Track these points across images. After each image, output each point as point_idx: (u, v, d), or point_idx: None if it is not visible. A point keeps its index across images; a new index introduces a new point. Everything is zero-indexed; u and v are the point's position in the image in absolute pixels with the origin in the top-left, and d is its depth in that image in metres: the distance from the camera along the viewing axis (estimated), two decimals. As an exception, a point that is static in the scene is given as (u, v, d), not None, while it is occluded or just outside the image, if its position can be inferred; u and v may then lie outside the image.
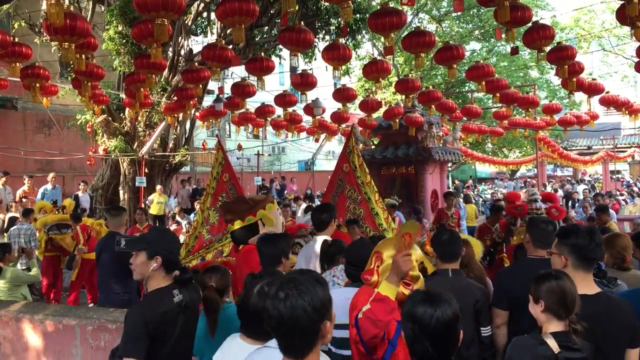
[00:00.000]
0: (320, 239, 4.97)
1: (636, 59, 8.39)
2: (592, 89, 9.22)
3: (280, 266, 3.86)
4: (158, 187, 14.04)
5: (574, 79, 7.82)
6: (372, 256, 3.11)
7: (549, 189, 23.23)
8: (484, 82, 8.12)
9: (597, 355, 2.73)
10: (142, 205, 12.82)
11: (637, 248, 4.59)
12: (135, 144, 13.63)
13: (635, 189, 25.14)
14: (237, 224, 5.47)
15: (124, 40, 11.26)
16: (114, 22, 11.19)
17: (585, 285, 2.89)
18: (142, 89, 7.96)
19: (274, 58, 11.82)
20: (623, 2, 5.22)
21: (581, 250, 2.90)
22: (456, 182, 31.12)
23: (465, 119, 12.83)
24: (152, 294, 3.03)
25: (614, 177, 32.92)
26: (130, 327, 2.85)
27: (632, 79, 25.84)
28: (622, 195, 21.28)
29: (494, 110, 13.96)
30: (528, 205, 7.03)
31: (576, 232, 2.96)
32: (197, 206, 13.41)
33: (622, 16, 5.47)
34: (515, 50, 7.08)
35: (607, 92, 10.15)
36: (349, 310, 3.10)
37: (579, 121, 13.01)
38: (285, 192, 21.24)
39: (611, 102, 10.49)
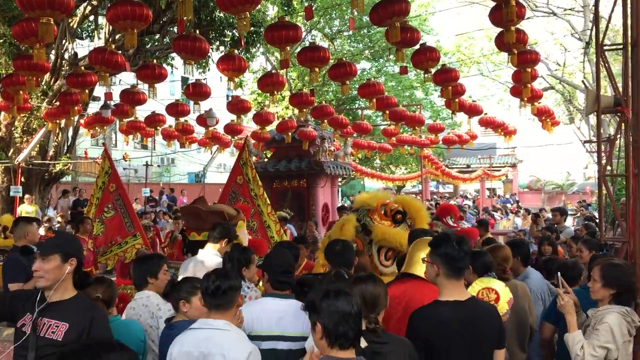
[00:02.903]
0: (206, 252, 4.89)
1: (511, 84, 9.07)
2: (472, 110, 9.85)
3: (149, 286, 3.88)
4: (27, 196, 13.13)
5: (457, 100, 8.32)
6: None
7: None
8: (374, 100, 8.42)
9: (470, 355, 2.95)
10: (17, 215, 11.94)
11: (514, 257, 4.94)
12: (11, 150, 12.71)
13: (509, 205, 26.99)
14: (200, 236, 5.30)
15: (1, 40, 10.52)
16: (-10, 20, 10.45)
17: (457, 291, 3.05)
18: (21, 92, 7.47)
19: (165, 66, 11.53)
20: (502, 30, 5.63)
21: (451, 260, 3.03)
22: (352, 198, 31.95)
23: (355, 134, 13.21)
24: None
25: (490, 194, 35.25)
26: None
27: (507, 103, 27.89)
28: (495, 211, 22.78)
29: (382, 127, 14.48)
30: None
31: (446, 242, 3.08)
32: (59, 218, 12.82)
33: (501, 43, 5.91)
34: (404, 70, 7.41)
35: (485, 114, 10.88)
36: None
37: (460, 140, 13.81)
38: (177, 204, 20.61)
39: (489, 123, 11.25)
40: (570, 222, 14.34)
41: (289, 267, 3.65)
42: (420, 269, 3.52)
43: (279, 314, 3.35)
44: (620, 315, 3.45)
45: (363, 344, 2.68)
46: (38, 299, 2.87)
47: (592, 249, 5.59)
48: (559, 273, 3.80)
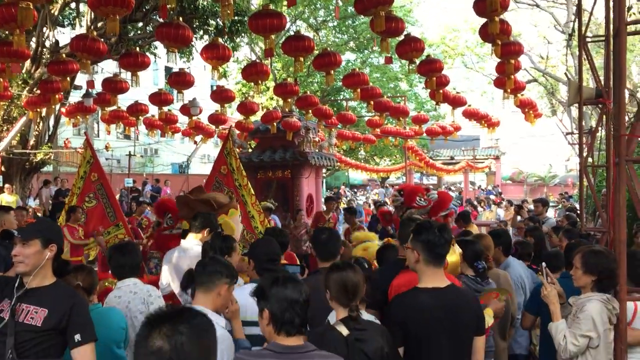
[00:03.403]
0: (189, 242, 4.88)
1: (494, 76, 9.11)
2: (456, 102, 9.88)
3: (135, 275, 3.86)
4: (7, 185, 12.98)
5: (441, 91, 8.34)
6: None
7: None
8: (359, 90, 8.41)
9: (449, 342, 2.96)
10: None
11: (495, 246, 4.98)
12: (-9, 139, 12.55)
13: (492, 197, 27.19)
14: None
15: (-20, 27, 10.34)
16: (-31, 5, 10.24)
17: (437, 279, 3.06)
18: (1, 80, 7.37)
19: (148, 55, 11.42)
20: (486, 20, 5.65)
21: (431, 247, 3.04)
22: (341, 188, 32.31)
23: (340, 125, 13.21)
24: None
25: (473, 186, 35.49)
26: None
27: (490, 95, 28.04)
28: (477, 200, 22.95)
29: (367, 118, 14.49)
30: (398, 209, 7.18)
31: (428, 229, 3.08)
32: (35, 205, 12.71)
33: (485, 33, 5.93)
34: (389, 60, 7.41)
35: (469, 105, 10.93)
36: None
37: (444, 132, 13.88)
38: (161, 195, 20.48)
39: (473, 115, 11.31)
40: (551, 214, 14.49)
41: (274, 255, 3.70)
42: None
43: None
44: (601, 302, 3.49)
45: (345, 331, 2.71)
46: (17, 284, 2.84)
47: (573, 239, 5.65)
48: (543, 263, 3.83)
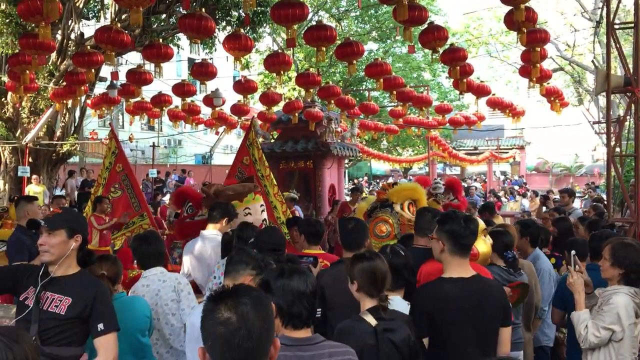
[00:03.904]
0: (209, 232, 4.93)
1: (519, 65, 8.98)
2: (480, 91, 9.77)
3: (161, 263, 3.88)
4: (34, 176, 13.19)
5: (465, 80, 8.25)
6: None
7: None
8: (381, 80, 8.36)
9: (474, 332, 2.94)
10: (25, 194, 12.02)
11: (523, 237, 4.92)
12: (19, 131, 12.75)
13: (516, 187, 26.91)
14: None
15: (7, 20, 10.50)
16: (-4, 0, 10.43)
17: (462, 269, 3.04)
18: (27, 72, 7.46)
19: (171, 47, 11.47)
20: (511, 8, 5.56)
21: (456, 237, 3.01)
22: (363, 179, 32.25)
23: (362, 116, 13.16)
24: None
25: (498, 176, 35.14)
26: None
27: (515, 84, 27.68)
28: (502, 190, 22.74)
29: (389, 109, 14.39)
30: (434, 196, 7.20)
31: (453, 219, 3.06)
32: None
33: (510, 21, 5.84)
34: (412, 49, 7.35)
35: (494, 95, 10.80)
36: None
37: (467, 121, 13.74)
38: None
39: (497, 104, 11.17)
40: (577, 204, 14.27)
41: (277, 245, 3.74)
42: None
43: None
44: (628, 296, 3.42)
45: (373, 322, 2.70)
46: (41, 273, 2.88)
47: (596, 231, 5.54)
48: (573, 251, 3.76)
